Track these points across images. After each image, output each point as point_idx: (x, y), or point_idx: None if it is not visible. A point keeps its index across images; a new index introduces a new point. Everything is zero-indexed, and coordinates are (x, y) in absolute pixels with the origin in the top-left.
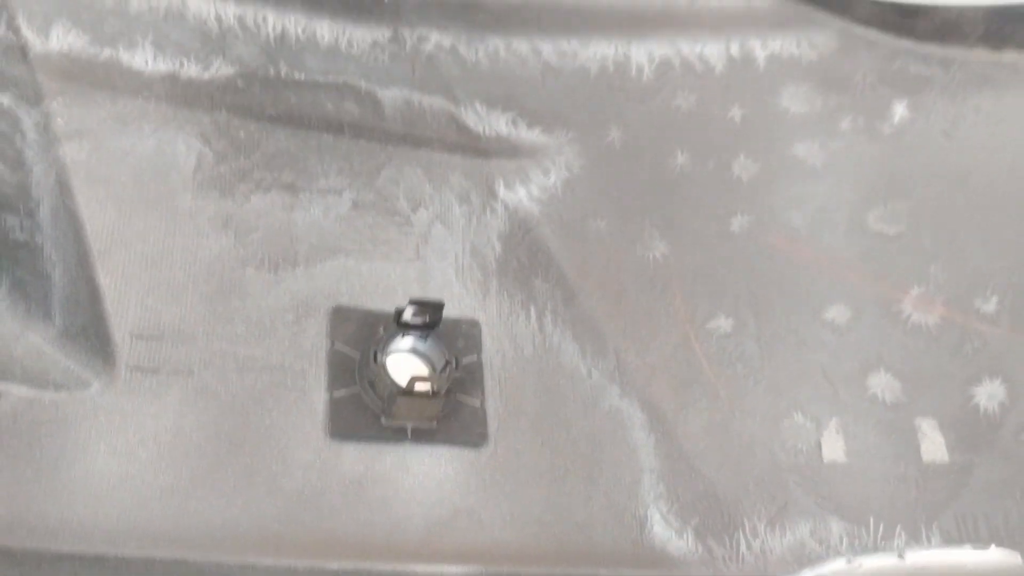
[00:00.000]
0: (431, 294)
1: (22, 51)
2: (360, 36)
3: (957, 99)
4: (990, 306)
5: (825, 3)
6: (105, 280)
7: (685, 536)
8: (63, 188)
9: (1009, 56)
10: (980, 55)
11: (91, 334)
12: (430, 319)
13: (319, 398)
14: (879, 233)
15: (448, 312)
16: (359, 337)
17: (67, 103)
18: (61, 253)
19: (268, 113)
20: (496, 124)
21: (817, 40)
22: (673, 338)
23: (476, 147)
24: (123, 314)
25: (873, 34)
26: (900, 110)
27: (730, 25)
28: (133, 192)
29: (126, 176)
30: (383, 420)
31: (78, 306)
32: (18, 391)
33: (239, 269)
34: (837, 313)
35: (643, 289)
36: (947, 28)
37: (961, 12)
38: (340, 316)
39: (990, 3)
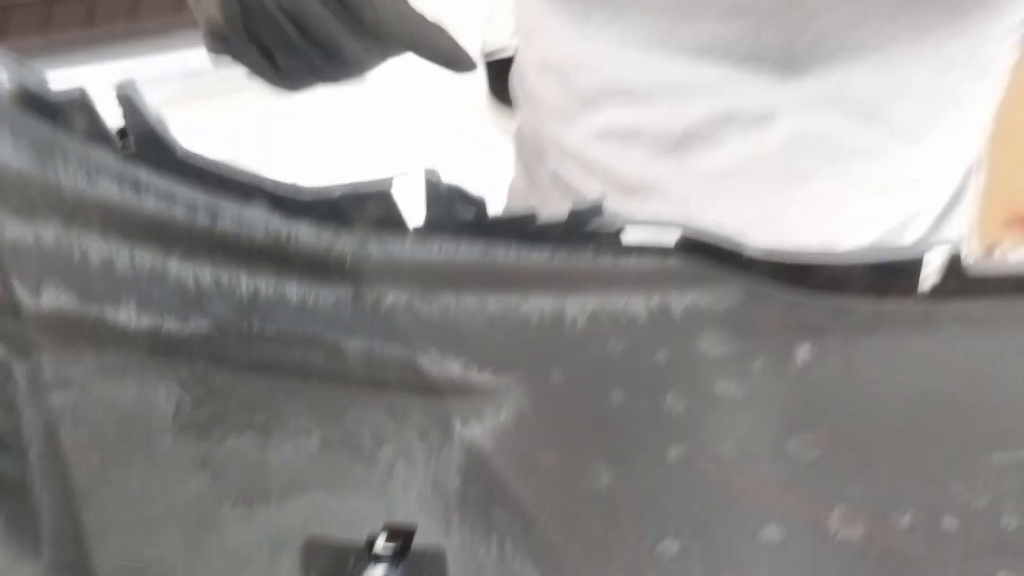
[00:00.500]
0: None
1: (15, 309)
2: (325, 295)
3: (850, 341)
4: (905, 521)
5: (729, 263)
6: (89, 518)
7: None
8: (51, 432)
9: (889, 304)
10: (865, 304)
11: (76, 569)
12: (401, 546)
13: None
14: (799, 459)
15: (414, 543)
16: (331, 568)
17: (56, 355)
18: (49, 492)
19: (242, 363)
20: (450, 368)
21: (724, 294)
22: (626, 561)
23: (433, 389)
24: (106, 550)
25: (772, 288)
26: (803, 352)
27: (648, 282)
28: (116, 436)
29: (110, 421)
30: None
31: (64, 542)
32: None
33: (216, 506)
34: (771, 533)
35: (594, 516)
36: (835, 281)
37: (846, 268)
38: (312, 548)
39: (869, 260)
